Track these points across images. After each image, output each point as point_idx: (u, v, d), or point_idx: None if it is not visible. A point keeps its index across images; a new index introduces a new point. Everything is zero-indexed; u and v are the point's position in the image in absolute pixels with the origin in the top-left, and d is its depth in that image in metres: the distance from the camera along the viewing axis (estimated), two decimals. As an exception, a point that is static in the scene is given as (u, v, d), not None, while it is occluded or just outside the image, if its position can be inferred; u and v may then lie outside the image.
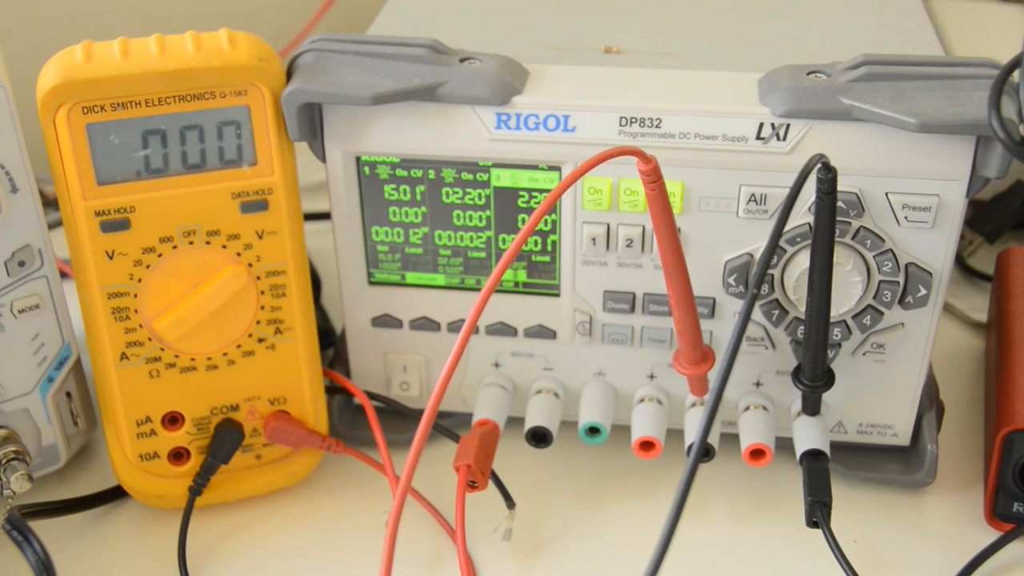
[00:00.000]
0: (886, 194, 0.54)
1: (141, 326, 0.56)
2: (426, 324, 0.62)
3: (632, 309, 0.59)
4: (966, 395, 0.68)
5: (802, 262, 0.55)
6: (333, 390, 0.64)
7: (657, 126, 0.54)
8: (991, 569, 0.57)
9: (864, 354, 0.58)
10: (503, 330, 0.61)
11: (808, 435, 0.58)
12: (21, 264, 0.56)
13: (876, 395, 0.60)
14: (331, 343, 0.70)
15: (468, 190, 0.58)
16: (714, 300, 0.58)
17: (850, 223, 0.54)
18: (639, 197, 0.56)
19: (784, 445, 0.60)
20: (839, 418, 0.61)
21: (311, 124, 0.56)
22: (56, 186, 0.54)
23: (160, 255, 0.55)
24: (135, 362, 0.57)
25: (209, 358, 0.58)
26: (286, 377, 0.59)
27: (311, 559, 0.58)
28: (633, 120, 0.54)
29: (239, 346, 0.58)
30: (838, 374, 0.58)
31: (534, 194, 0.58)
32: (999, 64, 0.52)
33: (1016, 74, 0.50)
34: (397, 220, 0.60)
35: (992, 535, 0.58)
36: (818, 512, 0.55)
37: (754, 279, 0.47)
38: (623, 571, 0.57)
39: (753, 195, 0.55)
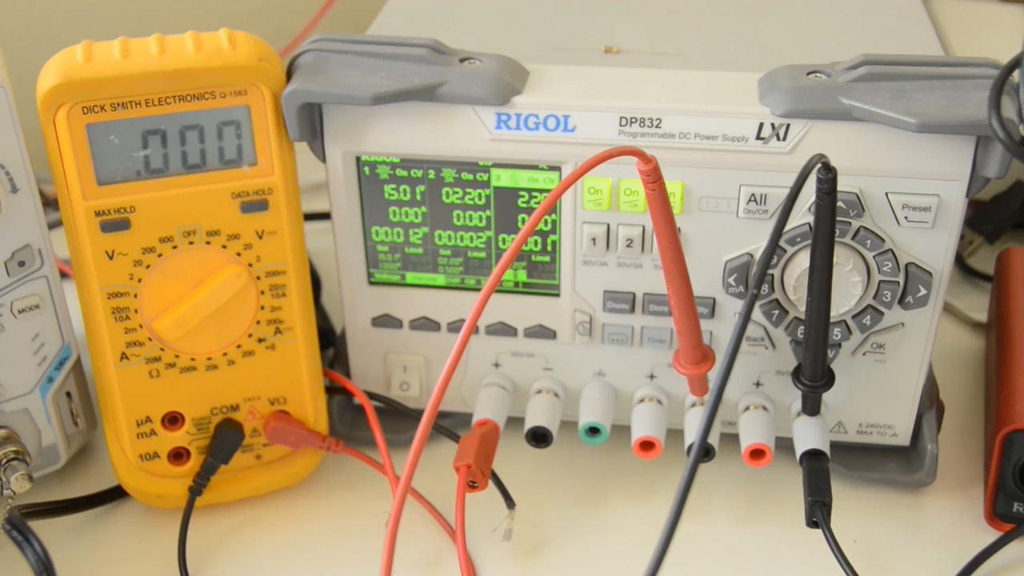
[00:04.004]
0: (886, 194, 0.54)
1: (141, 326, 0.56)
2: (426, 324, 0.62)
3: (632, 309, 0.59)
4: (966, 395, 0.68)
5: (802, 262, 0.55)
6: (333, 390, 0.64)
7: (657, 126, 0.54)
8: (991, 569, 0.57)
9: (864, 354, 0.58)
10: (503, 330, 0.61)
11: (808, 435, 0.58)
12: (21, 264, 0.56)
13: (876, 395, 0.60)
14: (331, 343, 0.70)
15: (468, 190, 0.58)
16: (714, 300, 0.58)
17: (850, 223, 0.54)
18: (639, 197, 0.56)
19: (784, 445, 0.60)
20: (839, 418, 0.61)
21: (311, 124, 0.56)
22: (56, 186, 0.54)
23: (160, 255, 0.55)
24: (135, 362, 0.57)
25: (209, 358, 0.58)
26: (286, 377, 0.59)
27: (311, 559, 0.58)
28: (633, 120, 0.54)
29: (239, 346, 0.58)
30: (838, 374, 0.58)
31: (534, 194, 0.58)
32: (999, 64, 0.53)
33: (1016, 74, 0.50)
34: (397, 220, 0.60)
35: (992, 535, 0.58)
36: (818, 512, 0.55)
37: (754, 279, 0.47)
38: (623, 571, 0.57)
39: (753, 195, 0.55)
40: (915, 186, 0.54)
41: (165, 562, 0.58)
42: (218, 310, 0.56)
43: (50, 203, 0.65)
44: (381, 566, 0.50)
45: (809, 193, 0.52)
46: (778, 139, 0.53)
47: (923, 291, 0.56)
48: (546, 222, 0.58)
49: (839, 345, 0.58)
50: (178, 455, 0.60)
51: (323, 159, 0.58)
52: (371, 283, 0.62)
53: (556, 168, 0.57)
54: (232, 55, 0.53)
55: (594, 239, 0.57)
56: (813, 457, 0.57)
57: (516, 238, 0.47)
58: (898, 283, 0.56)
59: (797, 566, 0.57)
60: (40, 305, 0.57)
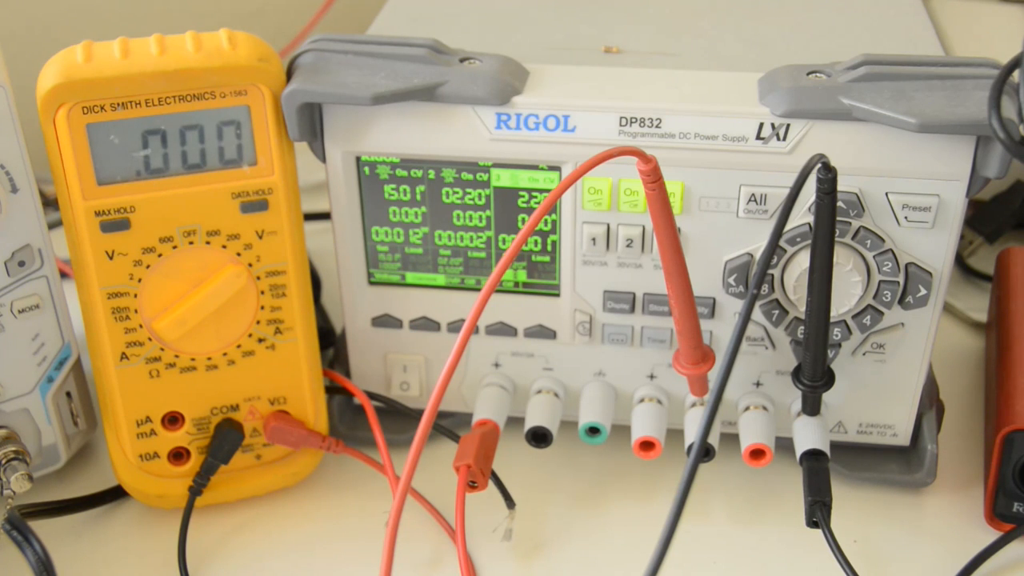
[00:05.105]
0: (886, 194, 0.54)
1: (141, 326, 0.56)
2: (426, 324, 0.62)
3: (632, 309, 0.59)
4: (966, 395, 0.68)
5: (802, 262, 0.55)
6: (333, 390, 0.64)
7: (657, 126, 0.54)
8: (991, 569, 0.57)
9: (864, 354, 0.58)
10: (503, 330, 0.61)
11: (808, 435, 0.58)
12: (21, 264, 0.56)
13: (876, 395, 0.60)
14: (331, 343, 0.70)
15: (468, 190, 0.58)
16: (714, 300, 0.58)
17: (850, 223, 0.54)
18: (639, 197, 0.56)
19: (784, 445, 0.60)
20: (839, 418, 0.61)
21: (311, 124, 0.56)
22: (56, 186, 0.54)
23: (160, 255, 0.55)
24: (135, 362, 0.57)
25: (209, 358, 0.58)
26: (286, 377, 0.59)
27: (311, 559, 0.58)
28: (633, 120, 0.54)
29: (239, 346, 0.58)
30: (838, 374, 0.58)
31: (534, 194, 0.58)
32: (999, 64, 0.53)
33: (1016, 74, 0.50)
34: (397, 220, 0.60)
35: (992, 535, 0.58)
36: (818, 512, 0.55)
37: (754, 279, 0.47)
38: (623, 571, 0.57)
39: (753, 195, 0.55)
40: (915, 186, 0.54)
41: (165, 562, 0.58)
42: (218, 310, 0.56)
43: (50, 203, 0.65)
44: (381, 566, 0.50)
45: (809, 193, 0.52)
46: (778, 139, 0.53)
47: (923, 291, 0.56)
48: (546, 222, 0.58)
49: (839, 345, 0.58)
50: (178, 455, 0.60)
51: (323, 159, 0.58)
52: (371, 283, 0.62)
53: (556, 168, 0.57)
54: (232, 55, 0.53)
55: (594, 239, 0.57)
56: (813, 457, 0.57)
57: (516, 238, 0.47)
58: (898, 283, 0.56)
59: (797, 566, 0.57)
60: (40, 305, 0.57)
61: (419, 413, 0.57)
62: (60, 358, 0.59)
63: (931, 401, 0.61)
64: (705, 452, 0.49)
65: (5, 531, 0.53)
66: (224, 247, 0.56)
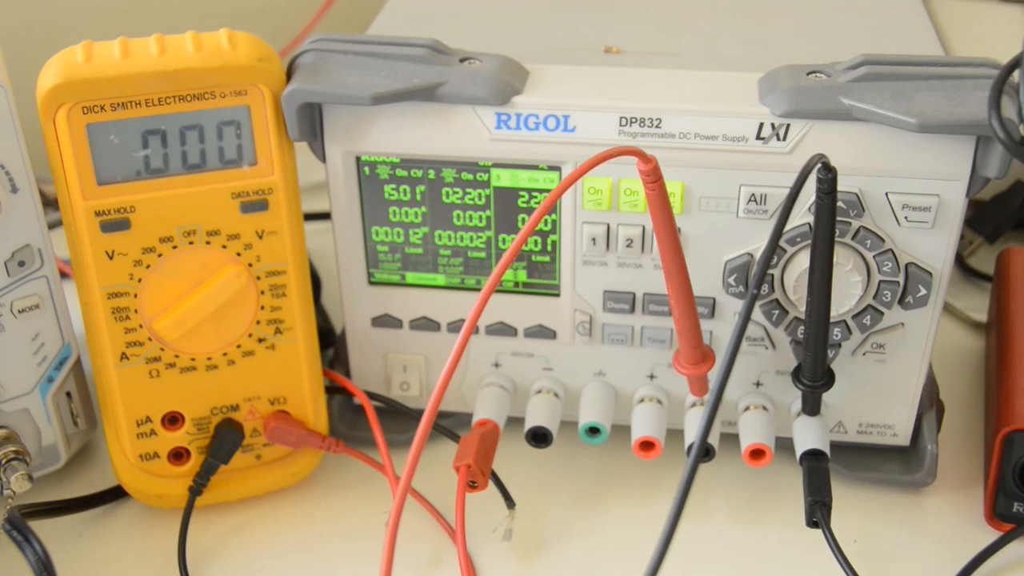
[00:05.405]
0: (886, 194, 0.54)
1: (141, 326, 0.56)
2: (426, 324, 0.62)
3: (632, 309, 0.59)
4: (966, 395, 0.68)
5: (802, 262, 0.55)
6: (333, 390, 0.64)
7: (657, 126, 0.54)
8: (991, 569, 0.57)
9: (864, 354, 0.58)
10: (503, 330, 0.61)
11: (808, 435, 0.58)
12: (21, 264, 0.56)
13: (876, 395, 0.60)
14: (331, 343, 0.70)
15: (468, 190, 0.58)
16: (714, 300, 0.58)
17: (850, 223, 0.54)
18: (639, 197, 0.56)
19: (784, 445, 0.60)
20: (839, 418, 0.61)
21: (311, 124, 0.56)
22: (56, 186, 0.54)
23: (160, 255, 0.55)
24: (135, 362, 0.57)
25: (209, 358, 0.58)
26: (286, 377, 0.59)
27: (311, 559, 0.58)
28: (633, 120, 0.54)
29: (239, 346, 0.58)
30: (838, 374, 0.58)
31: (534, 194, 0.58)
32: (999, 64, 0.53)
33: (1016, 74, 0.50)
34: (397, 220, 0.60)
35: (992, 535, 0.58)
36: (818, 512, 0.55)
37: (754, 279, 0.47)
38: (623, 571, 0.57)
39: (753, 195, 0.55)
40: (915, 186, 0.54)
41: (165, 562, 0.58)
42: (218, 310, 0.56)
43: (50, 203, 0.65)
44: (381, 566, 0.50)
45: (809, 193, 0.52)
46: (778, 139, 0.53)
47: (923, 291, 0.56)
48: (546, 222, 0.58)
49: (839, 345, 0.58)
50: (178, 455, 0.60)
51: (323, 159, 0.58)
52: (371, 283, 0.62)
53: (556, 168, 0.57)
54: (232, 55, 0.53)
55: (594, 239, 0.57)
56: (813, 457, 0.57)
57: (516, 238, 0.47)
58: (898, 283, 0.56)
59: (797, 566, 0.57)
60: (40, 305, 0.57)
61: (419, 413, 0.57)
62: (60, 358, 0.59)
63: (931, 401, 0.61)
64: (705, 452, 0.49)
65: (5, 531, 0.53)
66: (224, 247, 0.56)
